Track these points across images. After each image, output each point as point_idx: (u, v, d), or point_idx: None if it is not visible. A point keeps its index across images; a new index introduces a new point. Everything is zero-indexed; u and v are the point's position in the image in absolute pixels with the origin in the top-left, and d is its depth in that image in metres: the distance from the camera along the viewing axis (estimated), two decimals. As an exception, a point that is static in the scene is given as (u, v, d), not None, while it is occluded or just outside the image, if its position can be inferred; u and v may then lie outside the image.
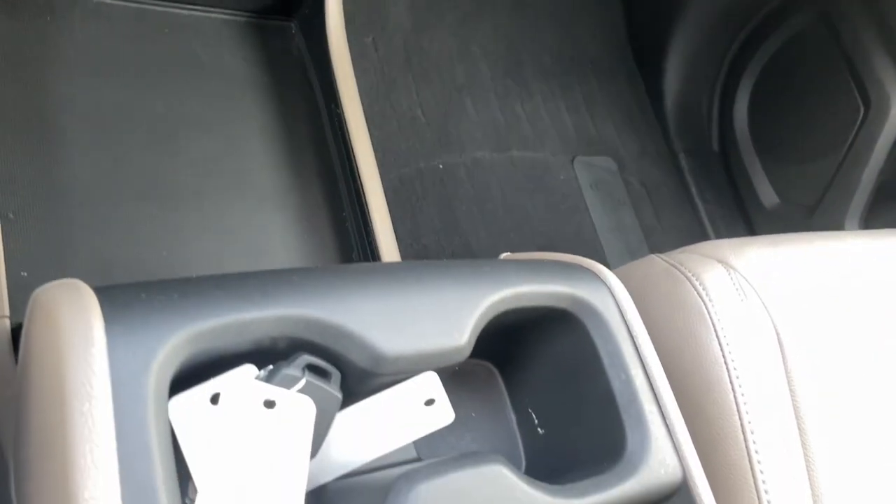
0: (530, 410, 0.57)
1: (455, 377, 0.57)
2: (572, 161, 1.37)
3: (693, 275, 0.62)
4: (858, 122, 1.28)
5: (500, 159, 1.26)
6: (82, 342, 0.35)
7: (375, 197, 0.97)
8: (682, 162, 1.50)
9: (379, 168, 1.01)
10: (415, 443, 0.52)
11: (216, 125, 0.90)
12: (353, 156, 0.94)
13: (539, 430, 0.56)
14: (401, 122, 1.19)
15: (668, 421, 0.51)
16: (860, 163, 1.28)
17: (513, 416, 0.57)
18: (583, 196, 1.34)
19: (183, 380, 0.40)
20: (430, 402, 0.47)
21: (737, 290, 0.62)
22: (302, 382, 0.41)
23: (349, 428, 0.46)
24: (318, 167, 0.96)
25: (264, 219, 0.89)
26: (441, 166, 1.19)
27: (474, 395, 0.57)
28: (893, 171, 1.24)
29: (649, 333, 0.55)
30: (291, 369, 0.41)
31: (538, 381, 0.56)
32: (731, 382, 0.57)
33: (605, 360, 0.52)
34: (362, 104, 1.00)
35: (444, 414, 0.47)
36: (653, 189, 1.44)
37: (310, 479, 0.46)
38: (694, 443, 0.52)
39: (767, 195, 1.42)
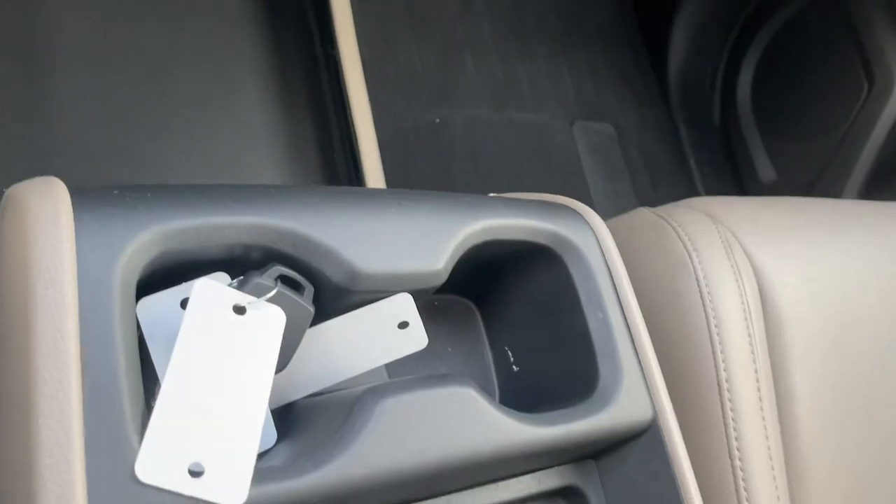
0: (506, 348, 0.57)
1: (433, 312, 0.57)
2: (571, 125, 1.35)
3: (679, 225, 0.62)
4: (861, 100, 1.28)
5: (498, 118, 1.25)
6: (49, 229, 0.35)
7: (368, 143, 0.96)
8: (682, 133, 1.49)
9: (373, 117, 1.00)
10: (388, 371, 0.52)
11: (208, 60, 0.89)
12: (347, 100, 0.93)
13: (514, 367, 0.56)
14: (398, 72, 1.18)
15: (641, 361, 0.51)
16: (860, 140, 1.28)
17: (489, 354, 0.57)
18: (580, 161, 1.33)
19: (154, 284, 0.40)
20: (403, 326, 0.46)
21: (723, 242, 0.62)
22: (273, 292, 0.41)
23: (320, 345, 0.45)
24: (310, 109, 0.95)
25: (253, 157, 0.88)
26: (437, 121, 1.18)
27: (452, 330, 0.57)
28: (893, 149, 1.24)
29: (632, 280, 0.55)
30: (263, 278, 0.41)
31: (516, 318, 0.56)
32: (709, 331, 0.57)
33: (583, 299, 0.52)
34: (360, 50, 0.99)
35: (417, 338, 0.47)
36: (651, 159, 1.44)
37: (279, 396, 0.46)
38: (668, 386, 0.52)
39: (766, 170, 1.42)
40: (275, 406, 0.46)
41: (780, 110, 1.44)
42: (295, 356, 0.44)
